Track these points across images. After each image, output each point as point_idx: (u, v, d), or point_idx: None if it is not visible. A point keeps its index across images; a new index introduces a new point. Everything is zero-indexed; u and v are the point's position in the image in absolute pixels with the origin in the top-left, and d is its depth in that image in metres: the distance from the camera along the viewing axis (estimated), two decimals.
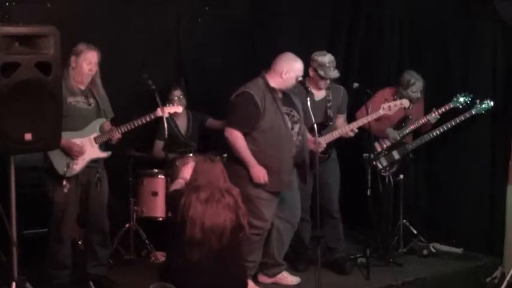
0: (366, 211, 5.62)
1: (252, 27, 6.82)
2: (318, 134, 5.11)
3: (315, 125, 4.91)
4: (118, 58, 5.89)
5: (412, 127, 6.21)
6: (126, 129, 5.15)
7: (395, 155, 6.20)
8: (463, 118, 6.08)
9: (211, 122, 6.34)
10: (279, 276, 5.40)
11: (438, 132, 6.13)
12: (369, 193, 5.59)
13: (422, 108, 6.30)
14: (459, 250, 6.35)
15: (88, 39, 5.07)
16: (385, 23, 7.03)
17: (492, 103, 6.08)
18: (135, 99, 5.98)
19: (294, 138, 5.18)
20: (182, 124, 6.28)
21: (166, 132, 5.21)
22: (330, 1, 7.08)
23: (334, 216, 5.75)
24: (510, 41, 6.14)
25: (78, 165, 4.98)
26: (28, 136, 3.97)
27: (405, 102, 5.70)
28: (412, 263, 6.02)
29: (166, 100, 5.89)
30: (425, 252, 6.24)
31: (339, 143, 5.77)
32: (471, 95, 6.11)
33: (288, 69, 5.06)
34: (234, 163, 5.09)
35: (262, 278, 5.38)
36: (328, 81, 5.59)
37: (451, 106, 6.13)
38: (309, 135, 5.32)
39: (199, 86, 6.58)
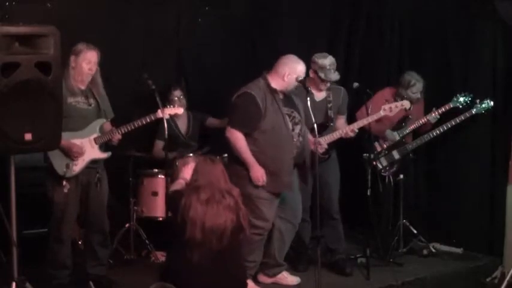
0: (366, 211, 5.62)
1: (252, 27, 6.83)
2: (318, 134, 5.12)
3: (315, 125, 4.91)
4: (118, 58, 5.89)
5: (412, 127, 6.21)
6: (126, 130, 5.14)
7: (395, 155, 6.20)
8: (463, 118, 6.08)
9: (211, 121, 6.35)
10: (279, 276, 5.40)
11: (438, 132, 6.13)
12: (369, 193, 5.59)
13: (422, 108, 6.30)
14: (459, 250, 6.35)
15: (88, 39, 5.07)
16: (385, 23, 7.03)
17: (492, 103, 6.08)
18: (135, 99, 5.98)
19: (295, 139, 5.18)
20: (182, 124, 6.28)
21: (166, 133, 5.21)
22: (330, 1, 7.08)
23: (334, 217, 5.74)
24: (510, 41, 6.14)
25: (78, 165, 4.98)
26: (28, 136, 3.97)
27: (406, 104, 5.70)
28: (412, 263, 6.02)
29: (167, 100, 5.90)
30: (425, 252, 6.24)
31: (340, 144, 5.76)
32: (471, 95, 6.11)
33: (290, 72, 5.06)
34: (235, 163, 5.10)
35: (262, 278, 5.38)
36: (328, 84, 5.59)
37: (451, 106, 6.13)
38: (309, 136, 5.31)
39: (199, 86, 6.59)
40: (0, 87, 3.82)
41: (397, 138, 6.19)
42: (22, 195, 4.34)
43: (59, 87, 4.15)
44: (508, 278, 5.42)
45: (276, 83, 5.11)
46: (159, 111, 5.19)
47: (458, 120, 6.09)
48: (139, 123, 5.17)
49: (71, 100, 4.95)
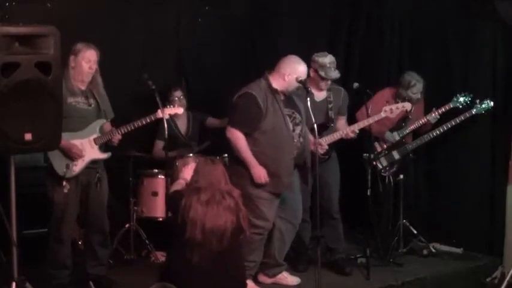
0: (366, 211, 5.62)
1: (252, 27, 6.82)
2: (319, 135, 5.13)
3: (315, 126, 4.91)
4: (118, 58, 5.89)
5: (412, 127, 6.21)
6: (126, 130, 5.14)
7: (395, 155, 6.20)
8: (463, 118, 6.08)
9: (211, 120, 6.35)
10: (279, 276, 5.40)
11: (438, 132, 6.13)
12: (369, 193, 5.59)
13: (422, 108, 6.30)
14: (459, 250, 6.35)
15: (88, 39, 5.07)
16: (385, 23, 7.02)
17: (492, 103, 6.08)
18: (135, 99, 5.98)
19: (295, 140, 5.18)
20: (182, 124, 6.28)
21: (166, 133, 5.21)
22: (330, 1, 7.08)
23: (334, 217, 5.74)
24: (510, 41, 6.14)
25: (78, 166, 4.98)
26: (28, 136, 3.97)
27: (407, 106, 5.71)
28: (412, 263, 6.02)
29: (167, 101, 5.89)
30: (425, 252, 6.24)
31: (340, 144, 5.76)
32: (471, 95, 6.11)
33: (291, 72, 5.06)
34: (235, 163, 5.10)
35: (262, 278, 5.38)
36: (329, 82, 5.59)
37: (451, 106, 6.13)
38: (310, 137, 5.31)
39: (199, 86, 6.59)
40: (0, 87, 3.82)
41: (397, 138, 6.19)
42: (22, 195, 4.34)
43: (59, 87, 4.15)
44: (508, 278, 5.43)
45: (277, 83, 5.11)
46: (159, 111, 5.19)
47: (458, 121, 6.09)
48: (139, 124, 5.17)
49: (71, 100, 4.95)
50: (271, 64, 5.25)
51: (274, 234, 5.28)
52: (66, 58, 4.84)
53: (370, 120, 5.62)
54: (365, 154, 5.85)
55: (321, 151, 5.45)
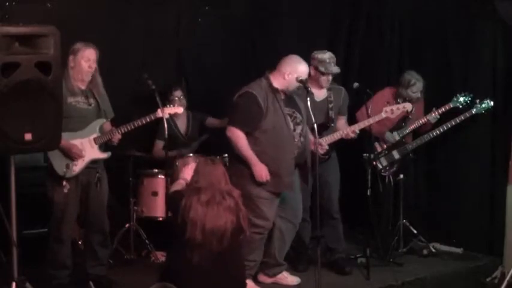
0: (366, 211, 5.62)
1: (252, 27, 6.82)
2: (319, 135, 5.14)
3: (315, 126, 4.91)
4: (118, 58, 5.89)
5: (412, 127, 6.21)
6: (126, 130, 5.15)
7: (395, 154, 6.20)
8: (463, 118, 6.08)
9: (211, 121, 6.35)
10: (279, 276, 5.40)
11: (438, 132, 6.13)
12: (369, 193, 5.59)
13: (422, 108, 6.30)
14: (459, 250, 6.35)
15: (88, 39, 5.07)
16: (385, 23, 7.02)
17: (492, 103, 6.08)
18: (135, 99, 5.98)
19: (296, 140, 5.19)
20: (182, 124, 6.28)
21: (166, 133, 5.21)
22: (330, 1, 7.08)
23: (334, 217, 5.74)
24: (510, 41, 6.14)
25: (78, 166, 4.98)
26: (28, 136, 3.97)
27: (408, 106, 5.71)
28: (412, 263, 6.02)
29: (167, 100, 5.89)
30: (425, 252, 6.24)
31: (340, 144, 5.76)
32: (471, 95, 6.11)
33: (291, 71, 5.07)
34: (236, 162, 5.10)
35: (262, 278, 5.38)
36: (330, 78, 5.59)
37: (451, 106, 6.13)
38: (310, 136, 5.32)
39: (199, 86, 6.59)
40: (0, 87, 3.82)
41: (397, 138, 6.19)
42: (22, 195, 4.34)
43: (59, 87, 4.15)
44: (508, 278, 5.43)
45: (277, 82, 5.11)
46: (159, 110, 5.19)
47: (458, 120, 6.09)
48: (139, 123, 5.18)
49: (71, 100, 4.95)
50: (271, 64, 5.26)
51: (275, 234, 5.28)
52: (66, 58, 4.84)
53: (371, 121, 5.62)
54: (365, 154, 5.85)
55: (321, 151, 5.45)
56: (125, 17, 6.15)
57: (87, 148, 5.02)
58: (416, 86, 6.12)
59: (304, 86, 5.05)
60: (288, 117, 5.14)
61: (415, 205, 6.65)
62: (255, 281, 5.28)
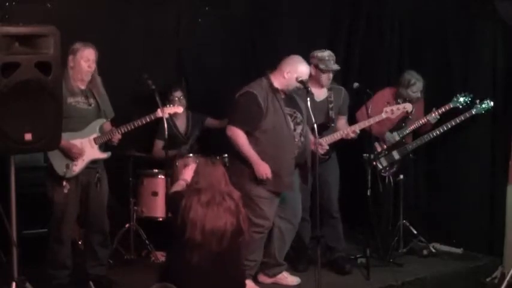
0: (366, 211, 5.61)
1: (252, 27, 6.83)
2: (319, 135, 5.14)
3: (315, 126, 4.91)
4: (118, 58, 5.90)
5: (412, 127, 6.21)
6: (126, 130, 5.15)
7: (395, 155, 6.20)
8: (463, 118, 6.08)
9: (210, 121, 6.35)
10: (279, 276, 5.40)
11: (438, 132, 6.13)
12: (369, 193, 5.59)
13: (422, 108, 6.30)
14: (459, 250, 6.35)
15: (88, 39, 5.07)
16: (385, 23, 7.02)
17: (492, 103, 6.08)
18: (135, 99, 5.98)
19: (296, 140, 5.19)
20: (181, 124, 6.28)
21: (166, 133, 5.21)
22: (330, 1, 7.08)
23: (333, 216, 5.75)
24: (510, 41, 6.14)
25: (78, 166, 4.98)
26: (28, 136, 3.97)
27: (408, 107, 5.70)
28: (412, 263, 6.02)
29: (167, 100, 5.89)
30: (425, 252, 6.23)
31: (340, 144, 5.76)
32: (471, 95, 6.10)
33: (291, 70, 5.07)
34: (236, 162, 5.11)
35: (262, 278, 5.38)
36: (330, 76, 5.59)
37: (451, 106, 6.13)
38: (311, 136, 5.32)
39: (199, 86, 6.59)
40: (0, 87, 3.82)
41: (397, 139, 6.19)
42: (22, 195, 4.35)
43: (59, 87, 4.15)
44: (508, 278, 5.42)
45: (277, 81, 5.12)
46: (159, 110, 5.19)
47: (458, 121, 6.08)
48: (139, 123, 5.18)
49: (70, 100, 4.95)
50: (271, 64, 5.26)
51: (274, 234, 5.28)
52: (66, 58, 4.84)
53: (371, 121, 5.62)
54: (365, 154, 5.85)
55: (321, 151, 5.46)
56: (125, 17, 6.15)
57: (87, 148, 5.02)
58: (416, 85, 6.12)
59: (304, 86, 5.05)
60: (289, 117, 5.14)
61: (415, 205, 6.65)
62: (255, 281, 5.28)
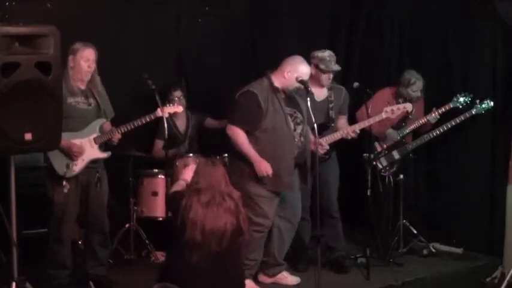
0: (366, 211, 5.61)
1: (252, 27, 6.83)
2: (319, 134, 5.14)
3: (315, 125, 4.91)
4: (118, 58, 5.90)
5: (412, 127, 6.21)
6: (125, 130, 5.15)
7: (395, 155, 6.20)
8: (463, 118, 6.08)
9: (210, 121, 6.35)
10: (279, 276, 5.41)
11: (438, 132, 6.13)
12: (369, 193, 5.59)
13: (422, 108, 6.30)
14: (459, 250, 6.35)
15: (88, 39, 5.07)
16: (385, 23, 7.02)
17: (492, 103, 6.07)
18: (135, 99, 5.99)
19: (296, 139, 5.19)
20: (181, 124, 6.28)
21: (166, 132, 5.21)
22: (330, 1, 7.08)
23: (333, 216, 5.75)
24: (510, 41, 6.14)
25: (78, 165, 4.98)
26: (28, 136, 3.97)
27: (408, 107, 5.70)
28: (412, 263, 6.01)
29: (167, 100, 5.89)
30: (425, 252, 6.23)
31: (340, 144, 5.76)
32: (471, 95, 6.10)
33: (291, 69, 5.07)
34: (236, 161, 5.11)
35: (262, 278, 5.38)
36: (330, 76, 5.59)
37: (451, 106, 6.13)
38: (311, 136, 5.32)
39: (199, 86, 6.59)
40: (0, 87, 3.82)
41: (398, 138, 6.19)
42: (22, 195, 4.35)
43: (59, 87, 4.15)
44: (508, 278, 5.42)
45: (278, 81, 5.12)
46: (159, 109, 5.20)
47: (458, 121, 6.08)
48: (139, 123, 5.18)
49: (70, 100, 4.95)
50: (271, 64, 5.27)
51: (274, 233, 5.28)
52: (66, 58, 4.84)
53: (371, 121, 5.62)
54: (365, 154, 5.85)
55: (321, 151, 5.46)
56: (125, 17, 6.15)
57: (87, 148, 5.02)
58: (416, 85, 6.12)
59: (304, 86, 5.05)
60: (289, 117, 5.15)
61: (415, 205, 6.65)
62: (255, 281, 5.28)
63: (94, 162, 5.08)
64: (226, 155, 5.60)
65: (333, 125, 5.70)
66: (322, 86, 5.63)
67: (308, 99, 4.96)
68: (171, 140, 5.83)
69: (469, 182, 6.44)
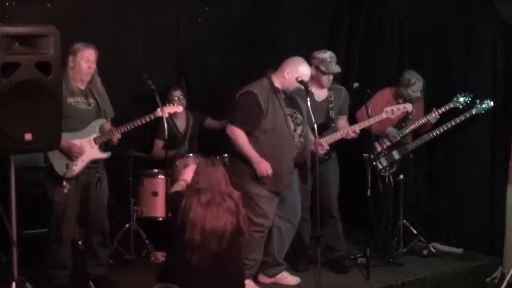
0: (366, 211, 5.62)
1: (252, 27, 6.83)
2: (319, 135, 5.14)
3: (315, 126, 4.91)
4: (118, 58, 5.90)
5: (412, 127, 6.21)
6: (125, 130, 5.14)
7: (396, 155, 6.20)
8: (463, 118, 6.08)
9: (210, 121, 6.35)
10: (279, 276, 5.41)
11: (438, 132, 6.13)
12: (369, 193, 5.59)
13: (422, 108, 6.30)
14: (459, 250, 6.35)
15: (88, 39, 5.07)
16: (385, 23, 7.02)
17: (492, 103, 6.07)
18: (135, 99, 5.99)
19: (296, 140, 5.19)
20: (181, 124, 6.29)
21: (166, 132, 5.21)
22: (330, 1, 7.08)
23: (333, 216, 5.75)
24: (510, 41, 6.14)
25: (78, 166, 4.98)
26: (28, 136, 3.97)
27: (408, 107, 5.70)
28: (412, 263, 6.01)
29: (166, 100, 5.89)
30: (425, 252, 6.23)
31: (340, 144, 5.76)
32: (471, 95, 6.10)
33: (291, 70, 5.07)
34: (236, 161, 5.12)
35: (262, 278, 5.38)
36: (331, 77, 5.59)
37: (451, 106, 6.13)
38: (311, 136, 5.32)
39: (199, 86, 6.59)
40: (0, 87, 3.82)
41: (398, 137, 6.19)
42: (22, 195, 4.34)
43: (59, 87, 4.15)
44: (508, 278, 5.42)
45: (278, 81, 5.12)
46: (159, 109, 5.20)
47: (458, 121, 6.08)
48: (139, 123, 5.18)
49: (70, 100, 4.95)
50: (271, 64, 5.27)
51: (274, 233, 5.29)
52: (66, 58, 4.84)
53: (372, 121, 5.62)
54: (365, 154, 5.86)
55: (321, 151, 5.46)
56: (125, 17, 6.15)
57: (87, 148, 5.02)
58: (416, 85, 6.12)
59: (304, 86, 5.05)
60: (289, 118, 5.15)
61: (415, 205, 6.65)
62: (255, 281, 5.28)
63: (94, 162, 5.08)
64: (226, 155, 5.60)
65: (333, 125, 5.70)
66: (322, 87, 5.63)
67: (308, 99, 4.96)
68: (171, 140, 5.82)
69: (469, 182, 6.44)
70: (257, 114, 5.02)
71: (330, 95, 5.69)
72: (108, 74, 5.28)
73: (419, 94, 6.17)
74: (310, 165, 5.27)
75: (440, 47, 6.62)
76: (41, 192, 5.12)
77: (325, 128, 5.61)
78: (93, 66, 5.02)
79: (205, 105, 6.41)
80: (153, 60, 6.23)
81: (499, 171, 6.22)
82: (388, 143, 6.23)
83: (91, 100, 5.08)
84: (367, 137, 5.79)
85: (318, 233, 5.01)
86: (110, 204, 5.36)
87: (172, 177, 5.55)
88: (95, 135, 5.07)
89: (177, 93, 6.12)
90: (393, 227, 6.24)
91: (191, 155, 5.95)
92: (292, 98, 5.21)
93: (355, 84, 5.73)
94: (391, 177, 6.19)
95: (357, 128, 5.67)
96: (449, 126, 6.10)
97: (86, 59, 4.97)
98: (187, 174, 4.55)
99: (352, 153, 6.00)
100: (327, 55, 5.55)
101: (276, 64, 5.20)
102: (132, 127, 5.16)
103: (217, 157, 5.44)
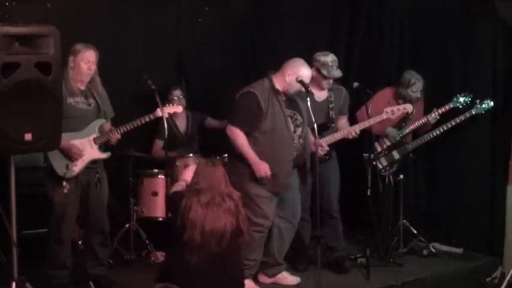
0: (366, 211, 5.61)
1: (252, 27, 6.83)
2: (320, 135, 5.14)
3: (315, 126, 4.91)
4: (118, 58, 5.90)
5: (412, 127, 6.21)
6: (125, 130, 5.15)
7: (395, 154, 6.20)
8: (463, 118, 6.08)
9: (210, 121, 6.35)
10: (279, 276, 5.41)
11: (438, 132, 6.13)
12: (369, 193, 5.59)
13: (422, 108, 6.30)
14: (459, 250, 6.35)
15: (88, 39, 5.07)
16: (385, 23, 7.02)
17: (492, 103, 6.08)
18: (135, 99, 5.99)
19: (295, 141, 5.19)
20: (181, 124, 6.28)
21: (166, 132, 5.21)
22: (330, 1, 7.08)
23: (333, 216, 5.75)
24: (510, 41, 6.14)
25: (78, 166, 4.98)
26: (28, 136, 3.97)
27: (409, 108, 5.70)
28: (412, 263, 6.01)
29: (166, 100, 5.90)
30: (425, 252, 6.23)
31: (340, 144, 5.76)
32: (471, 95, 6.10)
33: (292, 72, 5.06)
34: (235, 161, 5.12)
35: (262, 278, 5.38)
36: (331, 81, 5.60)
37: (451, 106, 6.13)
38: (311, 137, 5.32)
39: (199, 86, 6.59)
40: (0, 87, 3.82)
41: (398, 137, 6.19)
42: (22, 195, 4.35)
43: (59, 87, 4.15)
44: (508, 278, 5.42)
45: (279, 83, 5.12)
46: (158, 110, 5.19)
47: (458, 121, 6.08)
48: (139, 123, 5.18)
49: (70, 100, 4.95)
50: (271, 64, 5.27)
51: (273, 233, 5.29)
52: (66, 58, 4.84)
53: (372, 121, 5.62)
54: (365, 154, 5.85)
55: (321, 152, 5.46)
56: (125, 17, 6.15)
57: (86, 148, 5.02)
58: (416, 85, 6.12)
59: (304, 86, 5.05)
60: (289, 119, 5.15)
61: (415, 205, 6.65)
62: (255, 281, 5.28)
63: (94, 162, 5.08)
64: (226, 155, 5.59)
65: (333, 125, 5.70)
66: (322, 89, 5.63)
67: (308, 99, 4.96)
68: (171, 140, 5.83)
69: (469, 182, 6.44)
70: (257, 114, 5.02)
71: (330, 95, 5.69)
72: (108, 74, 5.28)
73: (419, 94, 6.17)
74: (310, 166, 5.27)
75: (440, 47, 6.62)
76: (41, 192, 5.12)
77: (325, 128, 5.61)
78: (93, 67, 5.01)
79: (205, 105, 6.41)
80: (153, 60, 6.23)
81: (499, 171, 6.21)
82: (388, 143, 6.23)
83: (91, 100, 5.08)
84: (367, 137, 5.78)
85: (318, 233, 5.01)
86: (110, 204, 5.36)
87: (172, 177, 5.55)
88: (94, 136, 5.07)
89: (177, 93, 6.12)
90: (393, 227, 6.24)
91: (191, 155, 5.95)
92: (292, 99, 5.21)
93: (355, 84, 5.73)
94: (391, 177, 6.19)
95: (357, 128, 5.68)
96: (449, 126, 6.10)
97: (86, 60, 4.97)
98: (187, 175, 4.56)
99: (352, 153, 6.00)
100: (329, 59, 5.52)
101: (276, 64, 5.20)
102: (132, 127, 5.16)
103: (217, 157, 5.44)
